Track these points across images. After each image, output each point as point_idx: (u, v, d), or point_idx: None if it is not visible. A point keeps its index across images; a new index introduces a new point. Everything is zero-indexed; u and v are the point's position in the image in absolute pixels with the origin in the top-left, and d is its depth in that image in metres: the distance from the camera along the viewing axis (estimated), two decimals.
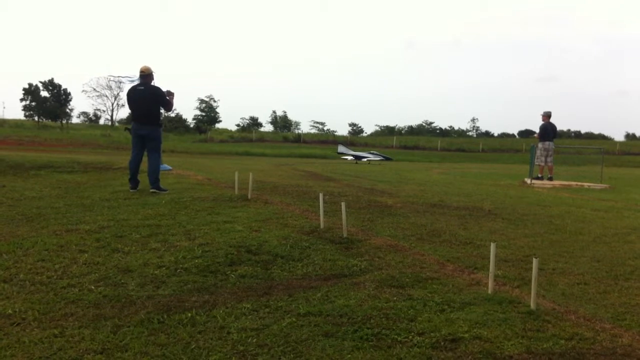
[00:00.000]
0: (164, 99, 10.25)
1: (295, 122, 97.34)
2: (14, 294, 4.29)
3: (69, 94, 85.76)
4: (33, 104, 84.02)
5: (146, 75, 10.01)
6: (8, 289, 4.41)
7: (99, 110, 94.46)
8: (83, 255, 5.37)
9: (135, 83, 10.28)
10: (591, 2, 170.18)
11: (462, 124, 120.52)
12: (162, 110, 10.75)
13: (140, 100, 9.97)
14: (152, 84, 10.10)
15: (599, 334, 3.65)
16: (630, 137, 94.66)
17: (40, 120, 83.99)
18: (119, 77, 11.43)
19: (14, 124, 72.12)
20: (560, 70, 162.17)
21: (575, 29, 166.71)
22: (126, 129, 11.26)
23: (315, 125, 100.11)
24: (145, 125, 10.00)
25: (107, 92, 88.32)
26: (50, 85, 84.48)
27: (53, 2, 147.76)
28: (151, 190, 9.64)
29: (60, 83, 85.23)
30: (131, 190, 9.82)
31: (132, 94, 10.09)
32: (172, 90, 10.97)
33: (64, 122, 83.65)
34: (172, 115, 72.15)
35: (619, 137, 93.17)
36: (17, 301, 4.11)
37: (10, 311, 3.88)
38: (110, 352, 3.29)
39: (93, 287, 4.45)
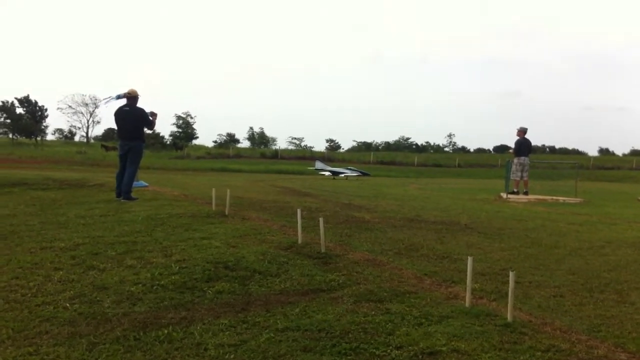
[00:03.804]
0: (147, 119, 11.15)
1: (272, 138, 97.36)
2: None
3: (45, 110, 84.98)
4: (8, 121, 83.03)
5: (132, 97, 10.96)
6: None
7: (74, 127, 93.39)
8: (58, 273, 5.31)
9: (118, 101, 11.13)
10: (559, 19, 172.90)
11: (439, 139, 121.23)
12: (146, 129, 11.38)
13: (126, 120, 10.92)
14: (137, 105, 11.02)
15: (575, 346, 3.68)
16: (603, 152, 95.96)
17: (15, 137, 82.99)
18: (108, 98, 11.74)
19: None
20: (530, 86, 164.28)
21: (542, 46, 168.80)
22: (102, 145, 11.63)
23: (293, 141, 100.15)
24: (129, 141, 10.89)
25: (83, 109, 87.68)
26: (25, 102, 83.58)
27: (29, 18, 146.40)
28: (122, 200, 10.43)
29: (36, 99, 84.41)
30: (117, 198, 10.60)
31: (119, 114, 10.98)
32: (155, 112, 11.56)
33: (39, 139, 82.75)
34: (149, 132, 71.66)
35: (593, 152, 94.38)
36: None
37: None
38: None
39: (68, 305, 4.40)
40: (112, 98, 11.31)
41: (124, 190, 10.58)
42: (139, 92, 11.04)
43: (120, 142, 11.09)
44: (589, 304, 4.83)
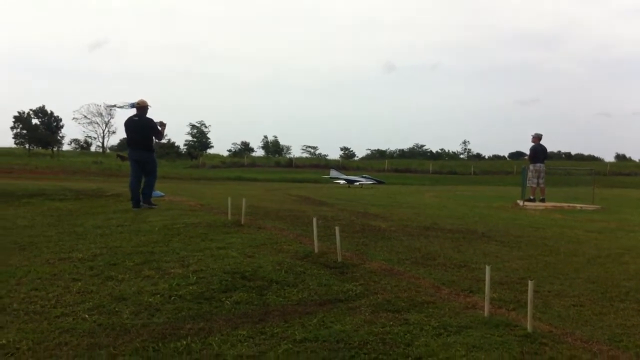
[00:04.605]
0: (156, 129, 11.42)
1: (287, 147, 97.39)
2: (8, 323, 4.25)
3: (60, 120, 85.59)
4: (24, 131, 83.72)
5: (141, 107, 11.25)
6: (1, 319, 4.37)
7: (90, 137, 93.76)
8: (76, 284, 5.34)
9: (127, 109, 11.51)
10: (576, 26, 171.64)
11: (453, 146, 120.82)
12: (154, 139, 11.61)
13: (135, 130, 11.22)
14: (147, 115, 11.30)
15: (597, 356, 3.65)
16: (620, 157, 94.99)
17: (31, 147, 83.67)
18: (114, 105, 12.10)
19: (5, 152, 71.68)
20: (546, 92, 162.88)
21: (559, 52, 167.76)
22: (118, 155, 11.87)
23: (307, 149, 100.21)
24: (139, 151, 11.21)
25: (98, 119, 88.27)
26: (40, 112, 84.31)
27: (43, 30, 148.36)
28: (141, 204, 10.93)
29: (52, 110, 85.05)
30: (133, 209, 10.83)
31: (129, 124, 11.27)
32: (164, 122, 11.72)
33: (55, 149, 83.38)
34: (164, 141, 72.08)
35: (609, 157, 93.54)
36: (10, 331, 4.07)
37: (4, 341, 3.84)
38: None
39: (87, 316, 4.42)
40: (126, 105, 11.47)
41: (145, 193, 11.01)
42: (148, 103, 11.29)
43: (130, 151, 11.44)
44: (610, 314, 4.78)
